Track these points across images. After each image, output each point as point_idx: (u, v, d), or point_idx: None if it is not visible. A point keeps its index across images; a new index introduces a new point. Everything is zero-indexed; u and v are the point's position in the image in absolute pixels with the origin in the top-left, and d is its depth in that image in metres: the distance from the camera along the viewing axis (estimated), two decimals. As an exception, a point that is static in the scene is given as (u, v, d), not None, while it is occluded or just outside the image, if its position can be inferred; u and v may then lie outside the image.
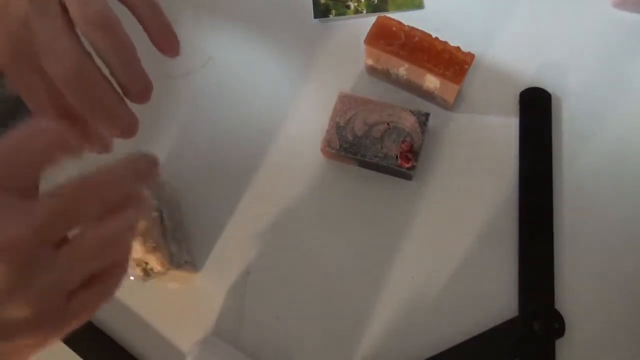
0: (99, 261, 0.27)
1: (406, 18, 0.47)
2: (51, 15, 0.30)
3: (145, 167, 0.29)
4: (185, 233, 0.49)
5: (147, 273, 0.45)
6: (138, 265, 0.45)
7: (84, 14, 0.29)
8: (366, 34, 0.47)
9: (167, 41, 0.33)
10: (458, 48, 0.46)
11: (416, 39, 0.46)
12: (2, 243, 0.23)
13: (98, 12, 0.29)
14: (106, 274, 0.28)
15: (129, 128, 0.33)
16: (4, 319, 0.24)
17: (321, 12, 0.54)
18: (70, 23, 0.30)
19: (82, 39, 0.31)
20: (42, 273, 0.24)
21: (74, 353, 0.47)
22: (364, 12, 0.54)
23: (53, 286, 0.25)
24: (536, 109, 0.49)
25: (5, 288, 0.23)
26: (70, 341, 0.48)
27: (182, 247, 0.47)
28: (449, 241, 0.47)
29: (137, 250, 0.44)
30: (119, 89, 0.32)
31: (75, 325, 0.27)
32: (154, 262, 0.45)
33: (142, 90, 0.33)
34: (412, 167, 0.46)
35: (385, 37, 0.46)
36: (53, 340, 0.26)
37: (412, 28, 0.47)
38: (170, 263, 0.45)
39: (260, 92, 0.53)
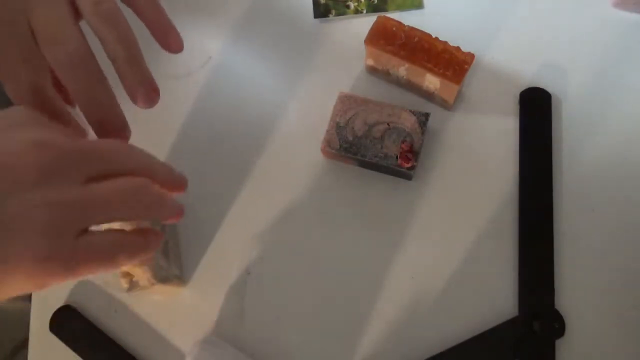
0: (118, 207, 0.27)
1: (406, 18, 0.47)
2: (58, 3, 0.31)
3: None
4: (178, 245, 0.49)
5: (132, 285, 0.45)
6: (123, 277, 0.45)
7: (96, 8, 0.31)
8: (366, 34, 0.47)
9: (169, 38, 0.34)
10: (458, 48, 0.46)
11: (416, 39, 0.46)
12: (48, 140, 0.26)
13: (109, 8, 0.32)
14: (129, 233, 0.29)
15: (121, 128, 0.33)
16: (19, 209, 0.24)
17: (321, 12, 0.54)
18: (75, 13, 0.31)
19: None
20: (67, 187, 0.25)
21: (74, 353, 0.47)
22: (364, 12, 0.54)
23: (72, 203, 0.25)
24: (536, 109, 0.49)
25: (34, 178, 0.25)
26: (71, 341, 0.48)
27: (171, 259, 0.47)
28: (448, 241, 0.47)
29: None
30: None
31: (86, 264, 0.26)
32: (140, 276, 0.45)
33: (148, 90, 0.33)
34: (412, 167, 0.46)
35: (385, 37, 0.46)
36: (58, 271, 0.25)
37: (412, 28, 0.47)
38: (155, 278, 0.45)
39: (260, 92, 0.53)
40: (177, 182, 0.34)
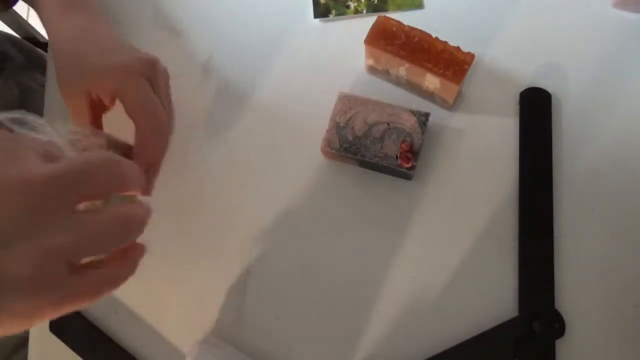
0: (109, 239, 0.26)
1: (406, 18, 0.47)
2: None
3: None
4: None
5: None
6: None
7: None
8: (366, 34, 0.47)
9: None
10: (458, 48, 0.46)
11: (416, 39, 0.46)
12: (21, 178, 0.23)
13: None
14: (115, 261, 0.28)
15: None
16: (3, 266, 0.23)
17: (321, 12, 0.54)
18: None
19: None
20: (53, 230, 0.24)
21: (73, 353, 0.48)
22: (364, 12, 0.54)
23: (60, 247, 0.24)
24: (536, 109, 0.49)
25: (14, 226, 0.23)
26: (71, 341, 0.48)
27: None
28: (448, 241, 0.47)
29: None
30: None
31: (73, 304, 0.26)
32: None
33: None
34: (412, 167, 0.46)
35: (385, 37, 0.46)
36: (46, 314, 0.25)
37: (412, 28, 0.47)
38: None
39: (260, 92, 0.53)
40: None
